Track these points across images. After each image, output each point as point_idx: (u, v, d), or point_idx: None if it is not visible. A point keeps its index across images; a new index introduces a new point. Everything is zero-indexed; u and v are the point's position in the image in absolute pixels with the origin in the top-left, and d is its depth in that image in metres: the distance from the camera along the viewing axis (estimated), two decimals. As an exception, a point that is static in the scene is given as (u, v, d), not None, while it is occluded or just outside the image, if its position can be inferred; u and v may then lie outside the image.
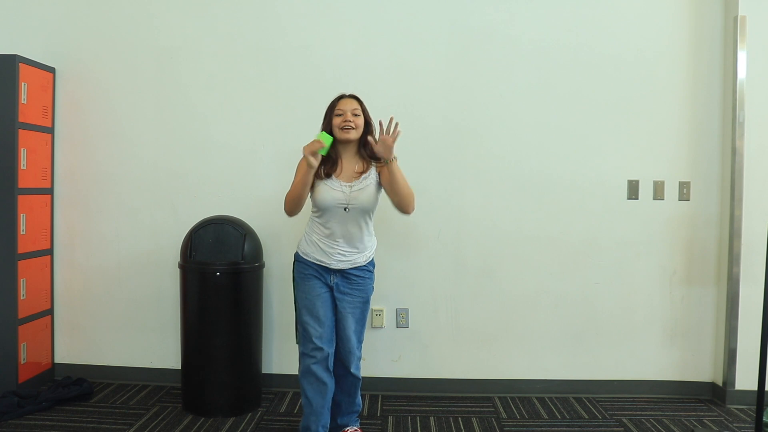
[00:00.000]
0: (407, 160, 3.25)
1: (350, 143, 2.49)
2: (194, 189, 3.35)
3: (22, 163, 3.11)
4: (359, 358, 2.60)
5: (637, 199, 3.32)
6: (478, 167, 3.32)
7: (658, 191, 3.31)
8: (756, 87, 3.16)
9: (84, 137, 3.38)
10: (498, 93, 3.31)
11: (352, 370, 2.56)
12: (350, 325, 2.52)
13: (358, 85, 3.24)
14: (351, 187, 2.44)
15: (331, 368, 2.52)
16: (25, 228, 3.15)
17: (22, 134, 3.11)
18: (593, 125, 3.31)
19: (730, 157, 3.21)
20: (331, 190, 2.42)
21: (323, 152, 2.37)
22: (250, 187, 3.32)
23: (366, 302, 2.57)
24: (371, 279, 2.58)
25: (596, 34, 3.29)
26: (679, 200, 3.31)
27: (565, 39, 3.29)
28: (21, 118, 3.10)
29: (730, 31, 3.21)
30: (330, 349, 2.49)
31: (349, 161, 2.50)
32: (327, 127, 2.48)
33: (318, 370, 2.46)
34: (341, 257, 2.46)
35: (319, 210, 2.46)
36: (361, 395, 2.73)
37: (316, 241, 2.48)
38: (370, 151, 2.47)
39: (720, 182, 3.29)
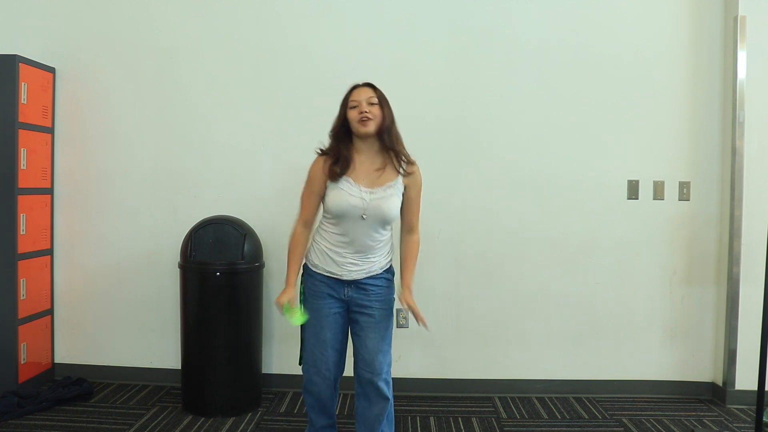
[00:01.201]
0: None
1: (370, 137, 2.17)
2: (194, 189, 3.35)
3: (22, 163, 3.11)
4: (387, 382, 2.24)
5: (637, 199, 3.32)
6: (478, 167, 3.32)
7: (658, 191, 3.31)
8: (756, 87, 3.16)
9: (84, 137, 3.38)
10: (498, 93, 3.31)
11: (383, 389, 2.22)
12: (373, 343, 2.21)
13: (358, 85, 3.26)
14: (372, 193, 2.16)
15: (337, 389, 2.32)
16: (25, 228, 3.15)
17: (22, 134, 3.11)
18: (593, 125, 3.31)
19: (730, 157, 3.21)
20: (348, 196, 2.14)
21: (292, 318, 2.21)
22: (250, 187, 3.32)
23: (389, 315, 2.26)
24: (391, 288, 2.29)
25: (596, 34, 3.30)
26: (679, 200, 3.31)
27: (565, 39, 3.29)
28: (21, 118, 3.10)
29: (730, 31, 3.21)
30: (336, 374, 2.27)
31: (371, 159, 2.21)
32: (342, 119, 2.19)
33: (321, 394, 2.27)
34: (353, 267, 2.20)
35: (335, 217, 2.18)
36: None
37: (326, 250, 2.22)
38: (394, 144, 2.20)
39: (720, 182, 3.29)
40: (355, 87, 2.23)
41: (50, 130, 3.35)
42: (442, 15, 3.30)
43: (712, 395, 3.31)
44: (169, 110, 3.36)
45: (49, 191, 3.36)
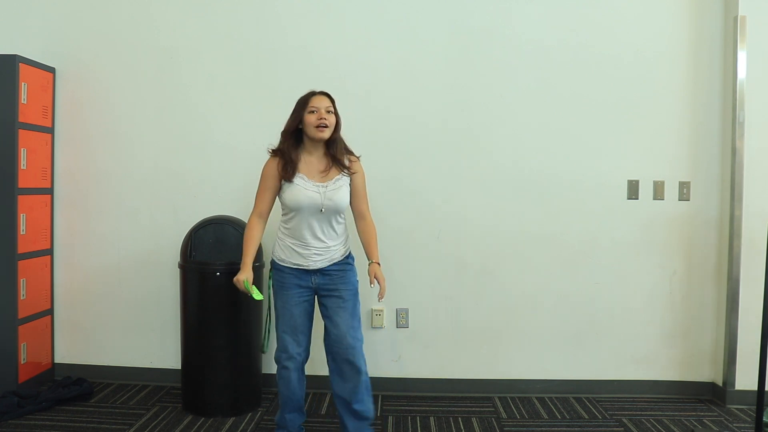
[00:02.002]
0: (407, 160, 3.27)
1: (320, 142, 2.43)
2: (194, 189, 3.35)
3: (22, 163, 3.11)
4: (362, 355, 2.46)
5: (637, 199, 3.32)
6: (478, 167, 3.32)
7: (658, 191, 3.31)
8: (756, 87, 3.16)
9: (84, 137, 3.38)
10: (498, 93, 3.31)
11: (357, 364, 2.43)
12: (344, 320, 2.44)
13: (357, 85, 3.27)
14: (326, 186, 2.40)
15: (304, 376, 2.54)
16: (25, 228, 3.15)
17: (22, 134, 3.11)
18: (593, 125, 3.31)
19: (730, 157, 3.21)
20: (304, 191, 2.38)
21: (253, 293, 2.45)
22: (250, 187, 3.28)
23: (354, 294, 2.50)
24: (353, 272, 2.53)
25: (596, 34, 3.29)
26: (679, 200, 3.31)
27: (566, 39, 3.29)
28: (21, 118, 3.10)
29: (730, 31, 3.21)
30: (305, 357, 2.50)
31: (319, 159, 2.45)
32: (296, 121, 2.41)
33: (294, 376, 2.47)
34: (317, 257, 2.43)
35: (292, 211, 2.42)
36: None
37: (290, 245, 2.44)
38: (336, 152, 2.44)
39: (720, 182, 3.29)
40: (314, 93, 2.45)
41: (50, 130, 3.35)
42: (442, 15, 3.30)
43: (712, 395, 3.31)
44: (169, 110, 3.36)
45: (49, 191, 3.36)
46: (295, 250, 2.44)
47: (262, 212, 2.50)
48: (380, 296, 2.47)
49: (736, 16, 3.16)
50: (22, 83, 3.10)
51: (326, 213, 2.41)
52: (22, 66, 3.09)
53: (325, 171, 2.43)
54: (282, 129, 2.47)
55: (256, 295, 2.44)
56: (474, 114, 3.31)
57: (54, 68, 3.35)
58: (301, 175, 2.41)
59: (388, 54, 3.30)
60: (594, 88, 3.30)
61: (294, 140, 2.44)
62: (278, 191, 2.46)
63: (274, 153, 2.46)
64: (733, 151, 3.19)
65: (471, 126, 3.31)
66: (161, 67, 3.35)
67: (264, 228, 2.52)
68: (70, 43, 3.37)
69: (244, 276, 2.41)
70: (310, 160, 2.45)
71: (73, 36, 3.37)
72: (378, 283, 2.46)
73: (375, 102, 3.27)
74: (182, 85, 3.35)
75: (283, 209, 2.49)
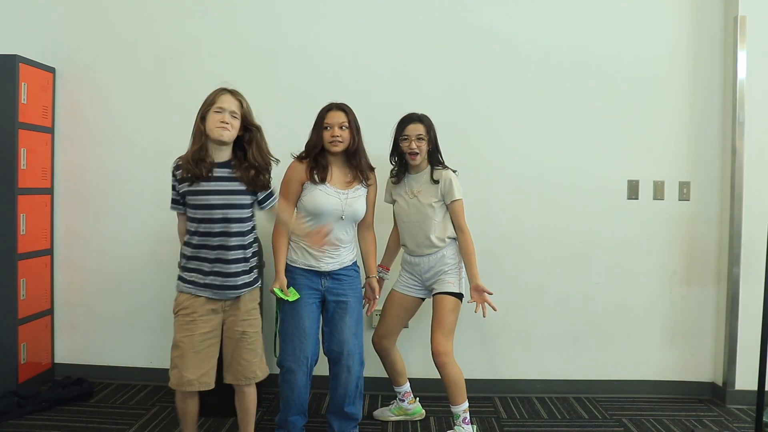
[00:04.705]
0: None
1: (338, 154, 2.51)
2: (194, 189, 3.35)
3: (22, 163, 3.11)
4: (362, 363, 2.55)
5: (637, 199, 3.32)
6: (478, 167, 3.32)
7: (658, 191, 3.32)
8: (756, 87, 3.16)
9: (84, 137, 3.38)
10: (498, 94, 3.31)
11: (354, 369, 2.50)
12: (348, 326, 2.50)
13: (358, 85, 3.26)
14: (347, 194, 2.49)
15: (310, 381, 2.52)
16: (25, 228, 3.15)
17: (22, 134, 3.11)
18: (593, 125, 3.31)
19: (730, 157, 3.21)
20: (327, 196, 2.46)
21: (283, 295, 2.44)
22: (250, 187, 3.31)
23: (360, 301, 2.59)
24: (359, 279, 2.61)
25: (596, 35, 3.30)
26: (679, 200, 3.31)
27: (565, 40, 3.29)
28: (21, 118, 3.10)
29: (730, 31, 3.21)
30: (312, 361, 2.49)
31: (339, 169, 2.54)
32: (318, 137, 2.49)
33: (301, 379, 2.46)
34: (330, 259, 2.49)
35: (312, 216, 2.47)
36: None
37: (305, 247, 2.49)
38: (360, 163, 2.53)
39: (720, 182, 3.29)
40: (329, 109, 2.51)
41: (50, 130, 3.35)
42: (442, 15, 3.30)
43: (712, 395, 3.31)
44: (169, 110, 3.35)
45: (49, 191, 3.36)
46: (309, 252, 2.48)
47: None
48: (368, 312, 2.68)
49: (736, 16, 3.16)
50: (22, 83, 3.10)
51: (346, 220, 2.49)
52: (22, 66, 3.09)
53: (348, 177, 2.52)
54: (306, 142, 2.55)
55: (292, 296, 2.44)
56: (474, 114, 3.31)
57: (54, 68, 3.35)
58: (325, 182, 2.48)
59: (388, 54, 3.30)
60: (594, 89, 3.30)
61: (322, 151, 2.51)
62: (299, 196, 2.51)
63: (300, 158, 2.53)
64: (733, 151, 3.19)
65: (471, 126, 3.31)
66: (161, 67, 3.35)
67: (289, 234, 2.54)
68: (70, 43, 3.37)
69: (278, 284, 2.46)
70: (331, 170, 2.52)
71: (73, 36, 3.37)
72: (376, 295, 2.66)
73: (375, 102, 3.26)
74: (182, 85, 3.34)
75: (299, 213, 2.54)
